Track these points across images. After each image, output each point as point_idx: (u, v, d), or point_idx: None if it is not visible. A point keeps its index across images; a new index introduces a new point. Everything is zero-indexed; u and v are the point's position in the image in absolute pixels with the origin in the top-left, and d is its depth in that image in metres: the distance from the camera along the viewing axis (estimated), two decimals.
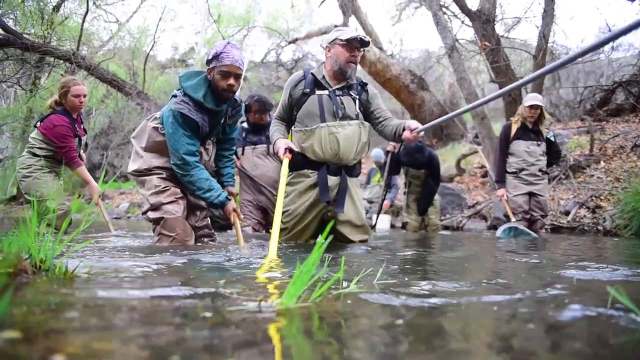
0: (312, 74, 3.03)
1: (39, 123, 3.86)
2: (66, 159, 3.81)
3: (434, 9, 8.32)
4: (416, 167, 5.63)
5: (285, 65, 17.31)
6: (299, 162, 3.03)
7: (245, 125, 4.67)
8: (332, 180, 3.00)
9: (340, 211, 2.97)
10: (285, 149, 2.88)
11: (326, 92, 2.98)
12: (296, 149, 2.93)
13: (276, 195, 4.48)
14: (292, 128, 3.10)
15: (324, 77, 3.00)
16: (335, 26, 12.90)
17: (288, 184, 3.04)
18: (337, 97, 2.96)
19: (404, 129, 2.81)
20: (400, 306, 1.02)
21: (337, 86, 3.00)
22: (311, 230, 3.09)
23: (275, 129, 3.12)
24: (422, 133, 2.76)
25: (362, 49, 2.96)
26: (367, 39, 2.93)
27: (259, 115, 4.48)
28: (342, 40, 2.92)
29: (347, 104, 2.98)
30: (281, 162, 2.85)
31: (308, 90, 2.99)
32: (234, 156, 3.25)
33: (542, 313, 0.96)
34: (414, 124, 2.76)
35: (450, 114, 2.52)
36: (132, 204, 12.41)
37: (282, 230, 2.99)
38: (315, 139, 2.93)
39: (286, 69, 17.20)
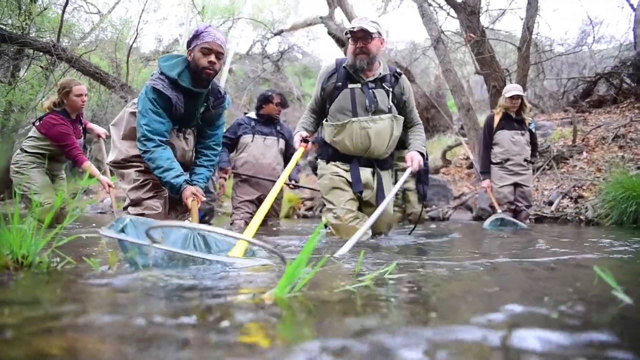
0: (344, 67, 2.95)
1: (37, 122, 3.92)
2: (70, 157, 3.86)
3: (419, 1, 8.31)
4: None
5: (271, 57, 17.16)
6: (330, 154, 3.02)
7: (252, 115, 4.78)
8: (365, 172, 2.98)
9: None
10: (301, 140, 2.90)
11: (358, 85, 2.92)
12: (311, 139, 2.96)
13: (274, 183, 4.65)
14: (324, 122, 3.06)
15: (356, 70, 2.91)
16: (321, 18, 12.82)
17: (322, 174, 3.05)
18: (370, 91, 2.90)
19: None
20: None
21: (370, 79, 2.93)
22: (354, 202, 2.98)
23: (300, 122, 3.10)
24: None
25: (371, 37, 2.82)
26: (359, 27, 2.78)
27: (279, 107, 4.65)
28: (347, 33, 2.88)
29: (379, 97, 2.91)
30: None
31: (340, 83, 2.93)
32: (216, 159, 3.03)
33: None
34: (416, 163, 2.91)
35: None
36: (117, 198, 12.25)
37: (328, 207, 2.99)
38: (346, 133, 2.89)
39: (272, 61, 17.07)
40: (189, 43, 2.58)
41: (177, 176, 2.50)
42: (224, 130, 3.82)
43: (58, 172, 4.16)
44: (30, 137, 3.95)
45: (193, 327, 0.74)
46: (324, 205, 3.07)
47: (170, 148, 2.65)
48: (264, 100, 4.69)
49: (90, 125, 4.31)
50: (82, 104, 3.93)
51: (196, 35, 2.53)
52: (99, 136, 4.29)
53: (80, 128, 4.10)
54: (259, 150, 4.60)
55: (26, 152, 3.90)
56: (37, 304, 0.88)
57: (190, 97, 2.63)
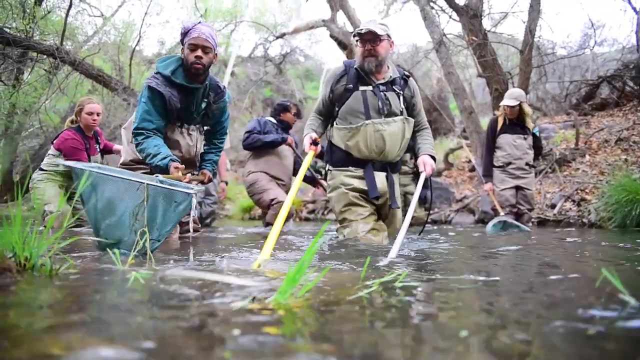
0: (355, 68, 2.91)
1: (55, 139, 4.16)
2: None
3: (421, 4, 8.31)
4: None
5: (273, 60, 17.18)
6: (342, 159, 2.94)
7: (273, 120, 4.92)
8: (379, 177, 2.91)
9: (396, 207, 2.96)
10: (310, 143, 2.87)
11: (370, 87, 2.87)
12: (319, 140, 2.93)
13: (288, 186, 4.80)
14: (334, 124, 3.00)
15: (366, 72, 2.88)
16: (323, 21, 12.84)
17: (335, 186, 2.96)
18: (382, 93, 2.86)
19: (417, 158, 3.01)
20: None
21: (381, 81, 2.89)
22: (372, 217, 2.91)
23: (308, 124, 3.05)
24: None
25: (380, 39, 2.79)
26: (367, 29, 2.76)
27: (295, 117, 4.92)
28: (355, 35, 2.86)
29: (391, 99, 2.88)
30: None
31: (351, 85, 2.89)
32: (223, 145, 3.30)
33: None
34: (429, 167, 2.88)
35: None
36: None
37: (344, 224, 2.90)
38: (360, 136, 2.83)
39: (274, 64, 17.08)
40: (181, 41, 2.72)
41: (164, 158, 2.61)
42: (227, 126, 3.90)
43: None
44: (48, 154, 4.18)
45: (189, 333, 0.74)
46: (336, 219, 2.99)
47: (175, 145, 2.86)
48: (283, 109, 4.89)
49: (117, 146, 4.50)
50: (92, 122, 4.07)
51: (184, 33, 2.68)
52: None
53: (97, 147, 4.28)
54: (283, 152, 4.74)
55: (42, 169, 4.14)
56: (38, 306, 0.88)
57: (186, 93, 2.75)
